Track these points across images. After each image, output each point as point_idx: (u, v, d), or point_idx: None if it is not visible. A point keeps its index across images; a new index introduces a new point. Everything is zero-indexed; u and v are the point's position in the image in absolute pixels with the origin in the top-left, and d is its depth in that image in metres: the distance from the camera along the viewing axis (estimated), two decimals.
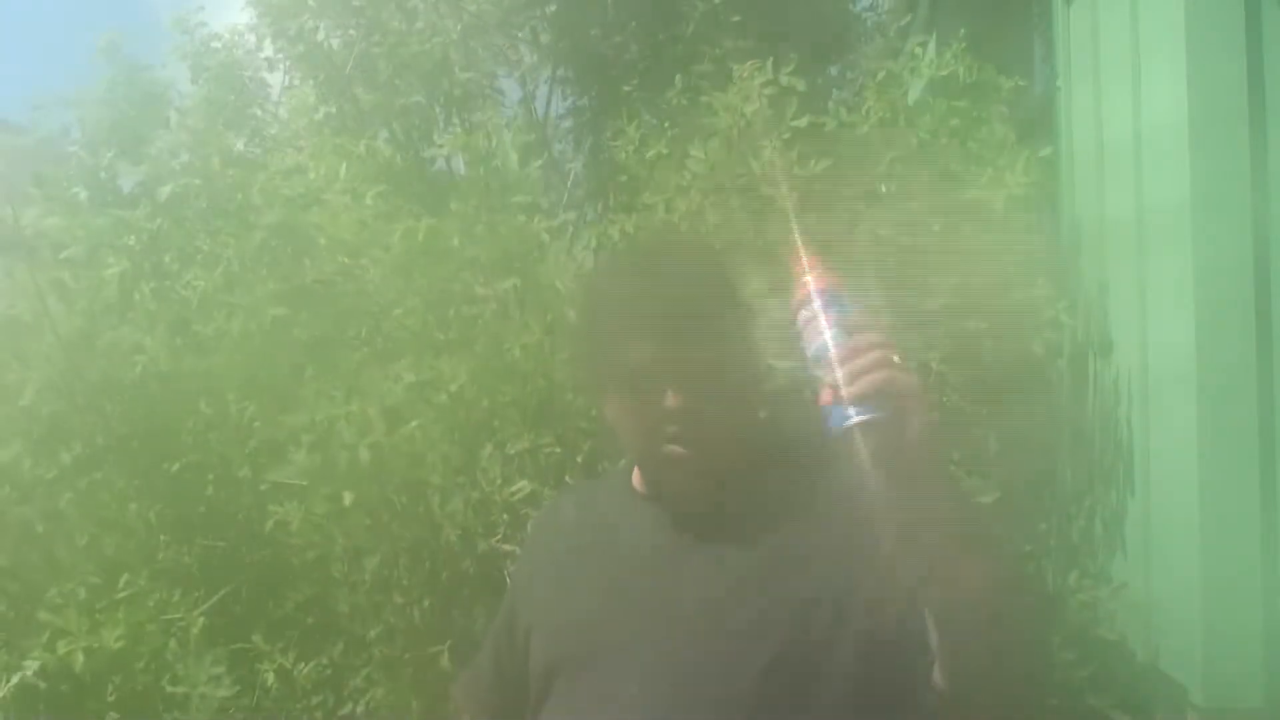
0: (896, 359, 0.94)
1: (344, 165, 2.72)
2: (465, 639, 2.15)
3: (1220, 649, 1.86)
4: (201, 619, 2.01)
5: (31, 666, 1.67)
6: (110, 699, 1.91)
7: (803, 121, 2.29)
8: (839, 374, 0.93)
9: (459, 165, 3.34)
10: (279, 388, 2.21)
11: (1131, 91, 2.12)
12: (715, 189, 2.31)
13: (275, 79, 4.81)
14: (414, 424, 2.04)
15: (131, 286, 2.51)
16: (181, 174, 2.92)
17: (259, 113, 4.68)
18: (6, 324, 2.40)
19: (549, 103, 4.92)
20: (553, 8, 4.11)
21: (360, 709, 2.16)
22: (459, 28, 4.66)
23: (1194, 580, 1.88)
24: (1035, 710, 2.05)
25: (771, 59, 2.31)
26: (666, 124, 2.63)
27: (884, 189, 2.37)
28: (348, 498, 1.97)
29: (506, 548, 2.24)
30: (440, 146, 2.79)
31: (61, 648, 1.82)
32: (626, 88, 4.03)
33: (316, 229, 2.54)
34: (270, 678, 2.11)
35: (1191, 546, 1.89)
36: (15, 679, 1.75)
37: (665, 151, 2.39)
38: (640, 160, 2.45)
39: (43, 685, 1.86)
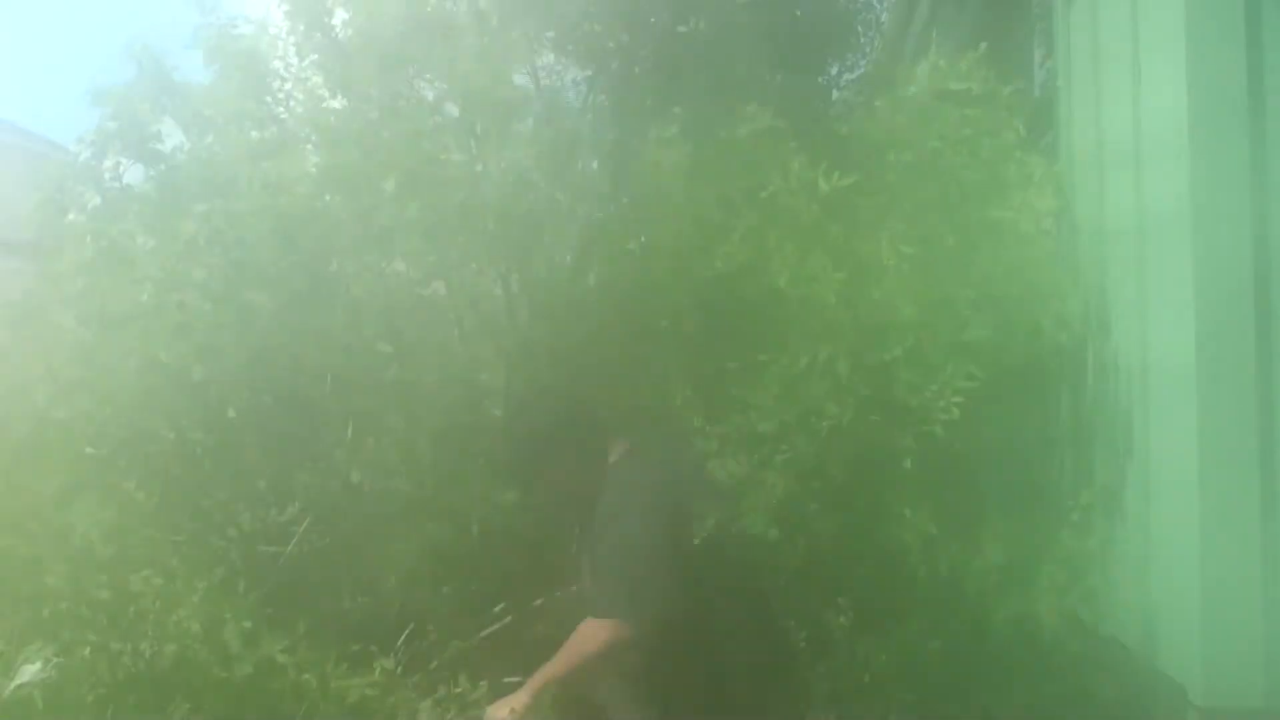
0: None
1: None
2: None
3: (1220, 649, 1.85)
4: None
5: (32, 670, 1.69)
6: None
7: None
8: None
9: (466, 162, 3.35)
10: None
11: (1131, 91, 2.12)
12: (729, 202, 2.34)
13: (292, 70, 4.77)
14: None
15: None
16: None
17: (269, 100, 4.64)
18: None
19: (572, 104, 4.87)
20: (567, 9, 4.10)
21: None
22: (481, 25, 4.63)
23: (1194, 580, 1.88)
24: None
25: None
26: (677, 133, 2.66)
27: (890, 198, 2.38)
28: None
29: None
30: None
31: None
32: (635, 92, 4.02)
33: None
34: None
35: (1191, 546, 1.89)
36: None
37: (682, 164, 2.43)
38: (656, 170, 2.49)
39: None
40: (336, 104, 3.65)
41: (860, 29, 4.18)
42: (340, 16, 3.51)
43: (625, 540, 2.16)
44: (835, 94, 4.01)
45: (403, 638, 2.57)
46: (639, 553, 2.14)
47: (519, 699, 2.07)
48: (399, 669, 2.36)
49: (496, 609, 2.83)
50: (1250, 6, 1.88)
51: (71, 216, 3.20)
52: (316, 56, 3.60)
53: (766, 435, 2.24)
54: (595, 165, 3.87)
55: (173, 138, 3.53)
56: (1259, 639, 1.83)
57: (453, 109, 3.39)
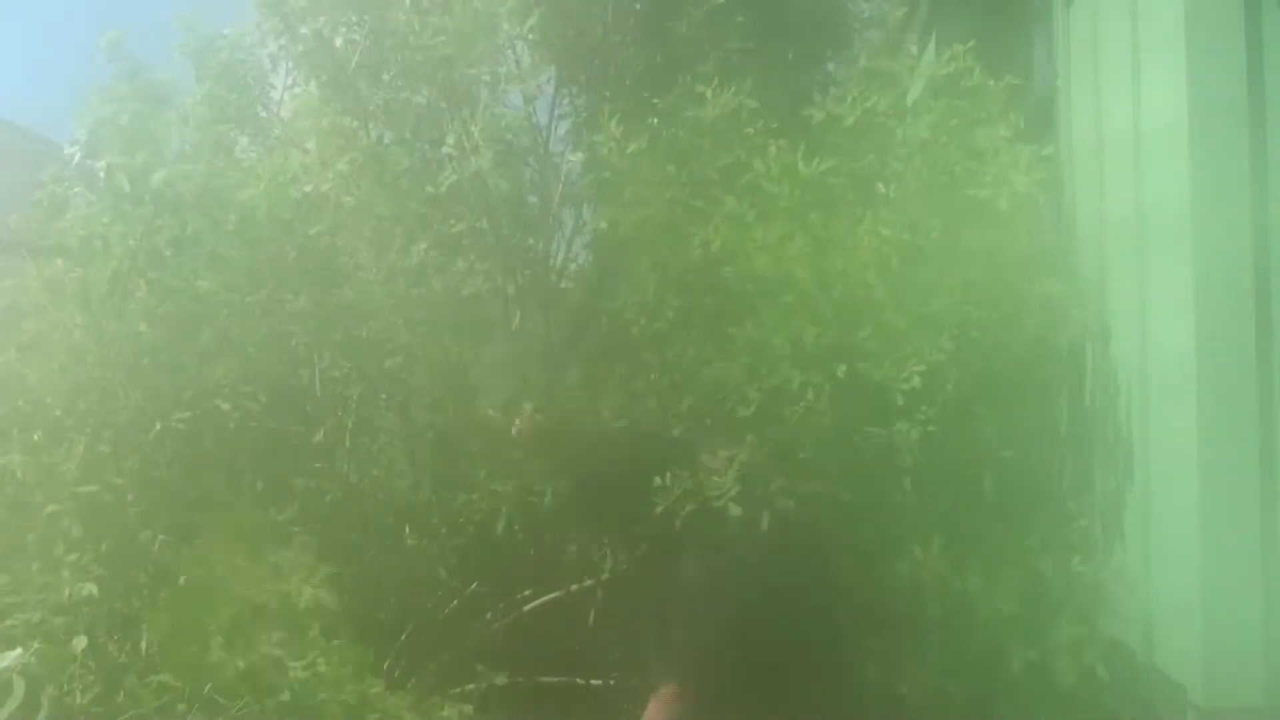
0: None
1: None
2: None
3: (1220, 649, 1.85)
4: None
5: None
6: None
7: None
8: None
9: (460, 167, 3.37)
10: None
11: (1131, 91, 2.12)
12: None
13: (278, 77, 4.79)
14: None
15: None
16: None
17: (262, 113, 4.65)
18: None
19: (552, 103, 4.88)
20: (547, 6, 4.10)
21: None
22: (466, 27, 4.64)
23: (1194, 580, 1.88)
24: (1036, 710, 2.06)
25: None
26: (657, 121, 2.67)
27: (884, 188, 2.38)
28: None
29: None
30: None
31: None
32: (626, 86, 4.01)
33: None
34: None
35: (1191, 546, 1.88)
36: None
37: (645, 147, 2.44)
38: (623, 155, 2.50)
39: None
40: (326, 108, 3.68)
41: (858, 30, 4.18)
42: (318, 24, 3.54)
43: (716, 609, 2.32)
44: (831, 90, 4.02)
45: (402, 638, 2.56)
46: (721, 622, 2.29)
47: None
48: (397, 671, 2.35)
49: (489, 614, 2.83)
50: (1250, 7, 1.88)
51: (68, 216, 3.19)
52: (303, 62, 3.64)
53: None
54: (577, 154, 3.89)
55: (169, 138, 3.54)
56: (1259, 639, 1.83)
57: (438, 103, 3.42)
